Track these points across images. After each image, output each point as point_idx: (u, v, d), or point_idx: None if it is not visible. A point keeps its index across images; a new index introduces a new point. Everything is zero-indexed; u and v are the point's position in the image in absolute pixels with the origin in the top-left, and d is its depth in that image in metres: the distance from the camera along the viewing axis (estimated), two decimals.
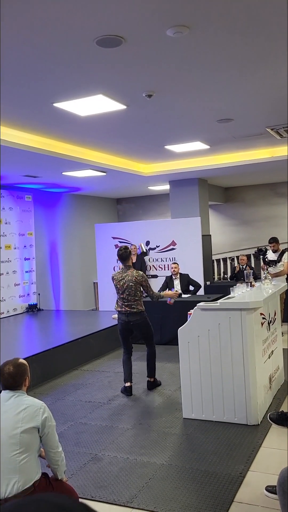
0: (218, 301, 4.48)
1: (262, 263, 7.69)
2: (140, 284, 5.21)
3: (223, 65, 4.10)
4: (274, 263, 7.62)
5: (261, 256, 7.66)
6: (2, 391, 2.71)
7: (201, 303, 4.48)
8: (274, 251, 7.84)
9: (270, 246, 7.86)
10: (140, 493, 3.19)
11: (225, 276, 12.41)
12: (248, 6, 3.06)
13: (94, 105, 4.96)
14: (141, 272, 5.32)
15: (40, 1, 2.84)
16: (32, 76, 4.07)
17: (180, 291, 7.56)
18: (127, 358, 5.46)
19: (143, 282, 5.22)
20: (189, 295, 8.23)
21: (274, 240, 7.86)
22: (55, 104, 4.84)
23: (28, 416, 2.55)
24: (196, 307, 4.46)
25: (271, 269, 7.53)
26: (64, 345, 6.73)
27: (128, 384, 5.35)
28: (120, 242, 10.74)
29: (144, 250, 10.24)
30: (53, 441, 2.61)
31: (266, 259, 7.61)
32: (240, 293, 4.93)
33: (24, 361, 2.81)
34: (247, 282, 5.39)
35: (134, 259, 10.19)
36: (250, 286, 5.33)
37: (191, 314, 4.55)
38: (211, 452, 3.73)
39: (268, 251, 7.85)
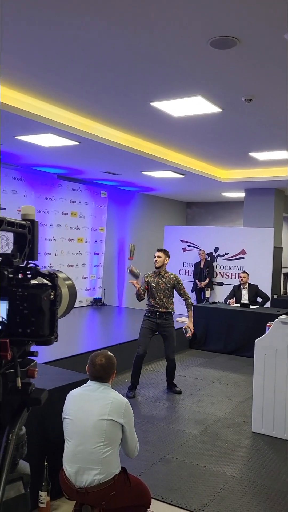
0: None
1: None
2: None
3: None
4: None
5: None
6: (89, 381, 2.73)
7: (283, 316, 4.34)
8: None
9: None
10: (212, 502, 3.12)
11: None
12: None
13: (190, 106, 4.95)
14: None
15: (155, 1, 2.85)
16: (133, 76, 4.12)
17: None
18: None
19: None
20: (256, 306, 8.06)
21: None
22: (152, 103, 4.88)
23: (114, 410, 2.56)
24: (277, 319, 4.33)
25: None
26: (129, 342, 6.76)
27: None
28: (188, 245, 10.68)
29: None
30: (132, 439, 2.63)
31: None
32: None
33: (113, 355, 2.81)
34: None
35: (202, 264, 10.13)
36: None
37: (270, 326, 4.43)
38: (284, 471, 3.60)
39: None
